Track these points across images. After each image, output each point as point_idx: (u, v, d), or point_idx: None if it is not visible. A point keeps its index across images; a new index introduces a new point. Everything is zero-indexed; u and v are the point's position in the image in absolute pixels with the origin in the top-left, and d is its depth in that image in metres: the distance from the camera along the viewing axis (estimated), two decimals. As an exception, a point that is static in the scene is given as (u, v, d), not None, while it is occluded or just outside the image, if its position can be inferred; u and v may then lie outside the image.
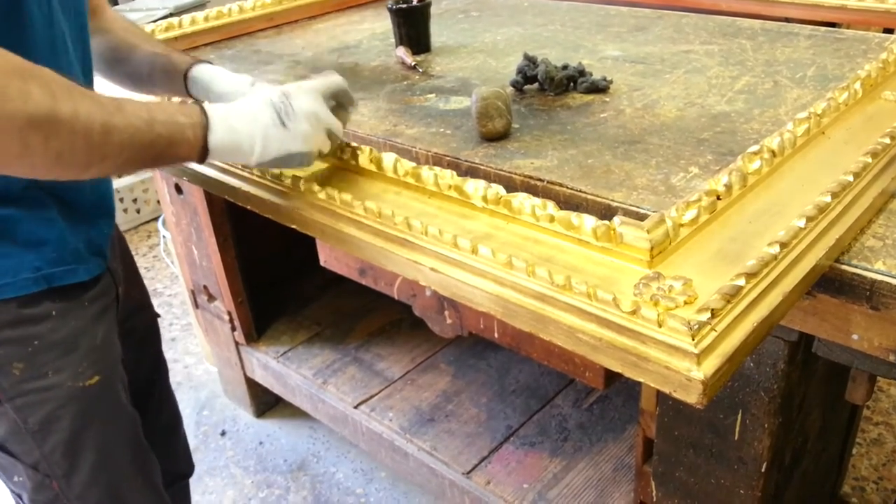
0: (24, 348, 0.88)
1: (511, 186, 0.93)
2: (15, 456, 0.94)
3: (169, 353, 2.26)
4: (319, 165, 0.97)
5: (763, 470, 0.96)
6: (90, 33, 0.96)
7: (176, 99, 1.03)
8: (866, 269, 0.73)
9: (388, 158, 0.91)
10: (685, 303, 0.63)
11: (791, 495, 1.15)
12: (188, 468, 1.23)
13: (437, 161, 1.02)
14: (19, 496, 0.99)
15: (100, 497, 0.98)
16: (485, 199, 0.81)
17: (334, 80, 0.92)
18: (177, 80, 1.03)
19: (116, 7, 2.86)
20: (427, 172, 0.87)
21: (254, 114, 0.82)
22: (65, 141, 0.67)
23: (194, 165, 1.10)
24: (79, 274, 0.91)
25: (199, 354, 2.25)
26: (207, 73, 1.02)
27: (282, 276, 2.05)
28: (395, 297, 1.30)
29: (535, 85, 1.21)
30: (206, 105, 0.82)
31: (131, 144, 0.73)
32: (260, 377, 1.87)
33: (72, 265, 0.90)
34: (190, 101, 0.83)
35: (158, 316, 1.16)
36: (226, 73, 1.02)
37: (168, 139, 0.77)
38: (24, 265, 0.86)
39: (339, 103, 0.93)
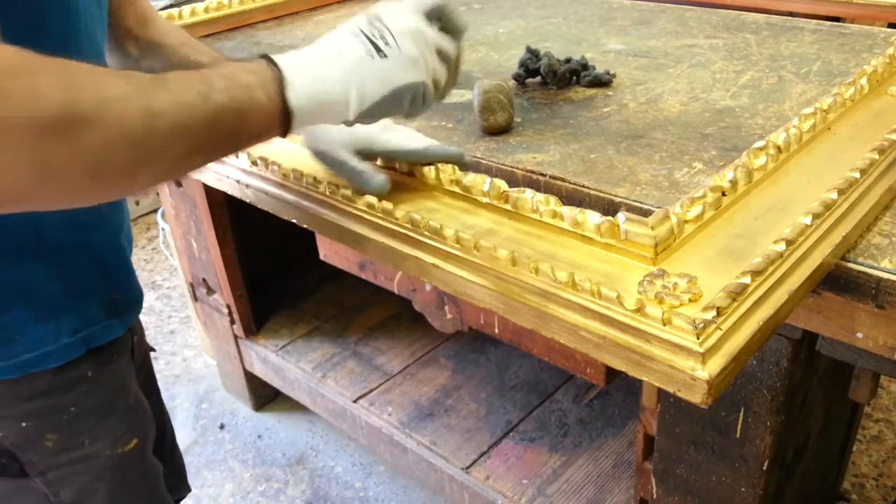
0: (59, 417, 0.78)
1: (513, 181, 0.93)
2: None
3: (167, 345, 2.26)
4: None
5: (765, 468, 0.96)
6: (142, 48, 0.86)
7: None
8: (872, 267, 0.72)
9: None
10: (690, 300, 0.62)
11: (792, 493, 1.14)
12: (186, 493, 1.18)
13: (439, 155, 1.01)
14: None
15: None
16: (486, 194, 0.80)
17: None
18: None
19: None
20: (428, 167, 0.86)
21: (338, 49, 0.62)
22: (97, 142, 0.49)
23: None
24: (115, 329, 0.82)
25: (197, 347, 2.24)
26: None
27: (281, 270, 2.04)
28: (395, 292, 1.30)
29: (538, 78, 1.20)
30: (275, 56, 0.62)
31: (187, 129, 0.54)
32: (259, 371, 1.87)
33: (107, 320, 0.80)
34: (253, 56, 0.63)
35: (153, 350, 1.06)
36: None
37: (235, 110, 0.57)
38: (62, 329, 0.76)
39: (445, 27, 0.71)
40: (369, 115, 0.66)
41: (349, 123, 0.66)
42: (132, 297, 0.87)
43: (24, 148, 0.47)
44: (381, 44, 0.63)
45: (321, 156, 0.85)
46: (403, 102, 0.66)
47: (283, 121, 0.61)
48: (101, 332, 0.80)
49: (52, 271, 0.75)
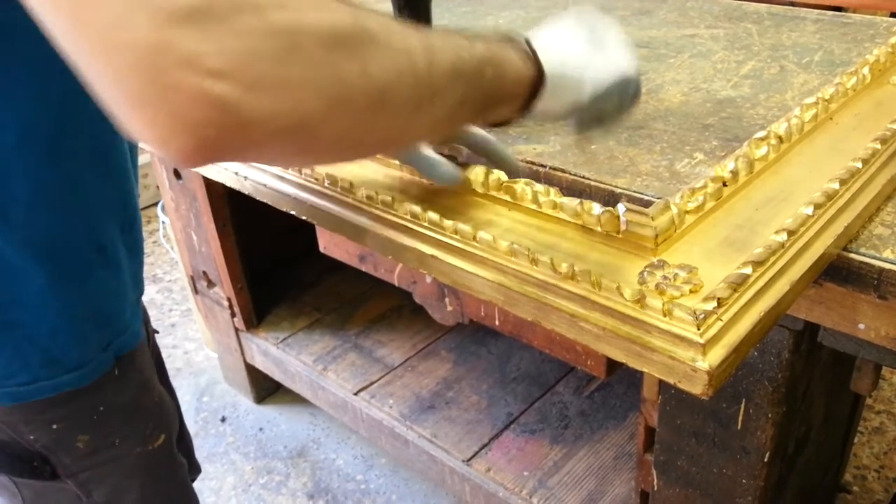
0: (90, 418, 0.78)
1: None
2: None
3: (168, 338, 2.26)
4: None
5: (766, 459, 0.95)
6: None
7: None
8: (874, 258, 0.72)
9: (389, 143, 0.89)
10: (690, 291, 0.62)
11: (793, 484, 1.14)
12: (196, 474, 1.18)
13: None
14: None
15: None
16: (486, 185, 0.80)
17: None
18: None
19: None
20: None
21: (566, 39, 0.63)
22: (386, 63, 0.45)
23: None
24: (138, 334, 0.82)
25: (198, 340, 2.24)
26: None
27: (282, 262, 2.04)
28: (396, 284, 1.29)
29: (538, 69, 1.20)
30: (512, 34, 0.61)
31: (460, 72, 0.52)
32: (260, 363, 1.87)
33: (132, 325, 0.80)
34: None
35: (157, 332, 1.05)
36: None
37: (496, 64, 0.55)
38: (97, 344, 0.75)
39: None
40: (601, 98, 0.65)
41: (580, 105, 0.66)
42: (142, 292, 0.87)
43: (317, 61, 0.40)
44: (599, 36, 0.66)
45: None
46: (627, 91, 0.67)
47: (531, 88, 0.60)
48: (128, 339, 0.79)
49: (110, 287, 0.74)
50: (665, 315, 0.59)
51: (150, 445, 0.84)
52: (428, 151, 0.78)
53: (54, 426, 0.76)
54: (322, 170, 0.89)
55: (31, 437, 0.76)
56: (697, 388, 0.58)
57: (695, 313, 0.58)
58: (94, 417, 0.78)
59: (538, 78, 0.60)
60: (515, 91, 0.59)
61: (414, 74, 0.47)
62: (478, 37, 0.56)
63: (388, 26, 0.46)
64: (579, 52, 0.62)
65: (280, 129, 0.40)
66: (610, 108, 0.68)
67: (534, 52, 0.60)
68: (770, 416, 0.91)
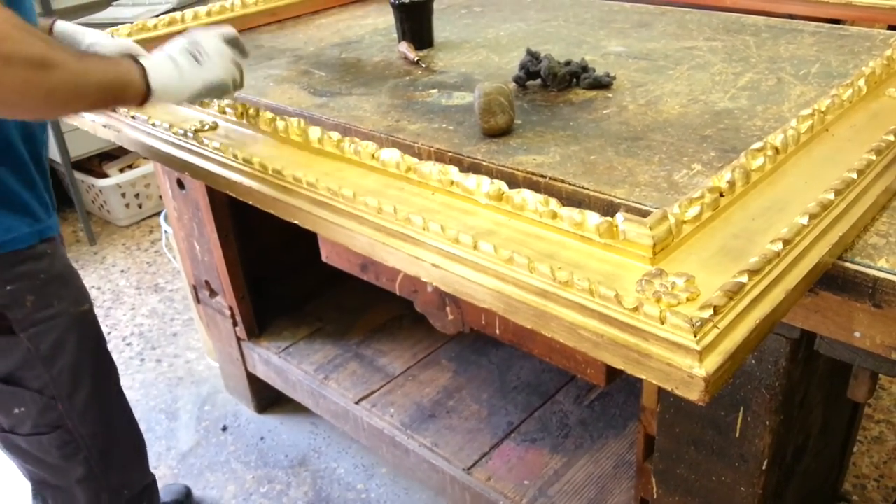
0: (34, 282, 1.06)
1: (513, 182, 0.93)
2: (21, 384, 1.10)
3: (170, 348, 2.27)
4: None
5: (764, 467, 0.96)
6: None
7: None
8: (869, 267, 0.72)
9: (391, 154, 0.91)
10: (687, 300, 0.63)
11: (792, 493, 1.15)
12: None
13: (440, 157, 1.02)
14: (12, 430, 1.14)
15: (98, 410, 1.17)
16: (487, 195, 0.81)
17: (227, 30, 1.14)
18: None
19: (120, 2, 2.85)
20: (429, 168, 0.87)
21: (174, 61, 1.02)
22: (56, 80, 0.85)
23: (197, 160, 1.11)
24: (53, 228, 1.11)
25: (200, 350, 2.25)
26: (70, 28, 1.18)
27: (283, 272, 2.05)
28: (397, 293, 1.30)
29: (538, 81, 1.21)
30: (139, 59, 1.00)
31: (99, 86, 0.92)
32: (261, 373, 1.87)
33: (48, 220, 1.10)
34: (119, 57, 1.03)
35: None
36: (86, 30, 1.19)
37: (122, 82, 0.96)
38: (23, 223, 1.05)
39: (236, 48, 1.14)
40: (194, 99, 1.05)
41: (182, 101, 1.06)
42: (54, 204, 1.15)
43: (20, 75, 0.81)
44: (200, 58, 1.03)
45: None
46: (216, 92, 1.06)
47: (146, 95, 0.98)
48: (45, 228, 1.08)
49: (19, 177, 1.05)
50: (662, 323, 0.60)
51: (81, 308, 1.14)
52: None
53: (8, 287, 1.05)
54: (324, 182, 0.90)
55: None
56: (694, 394, 0.59)
57: (691, 321, 0.59)
58: (37, 283, 1.07)
59: (148, 90, 0.98)
60: (134, 96, 0.98)
61: (71, 87, 0.88)
62: (118, 65, 0.97)
63: (63, 59, 0.86)
64: (179, 74, 1.00)
65: None
66: (210, 97, 1.08)
67: (147, 79, 0.97)
68: (768, 423, 0.92)
